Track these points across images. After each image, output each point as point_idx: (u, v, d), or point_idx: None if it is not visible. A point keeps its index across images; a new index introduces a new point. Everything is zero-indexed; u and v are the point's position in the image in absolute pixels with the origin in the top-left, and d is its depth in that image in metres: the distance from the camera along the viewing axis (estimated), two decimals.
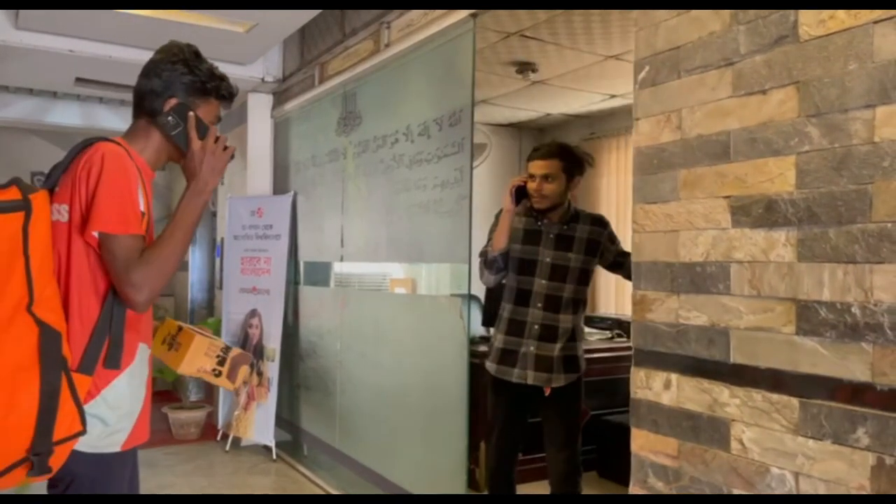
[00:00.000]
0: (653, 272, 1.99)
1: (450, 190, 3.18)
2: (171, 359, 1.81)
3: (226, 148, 1.77)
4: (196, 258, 7.16)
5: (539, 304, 2.74)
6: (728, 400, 1.76)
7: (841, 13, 1.56)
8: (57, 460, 1.47)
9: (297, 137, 4.90)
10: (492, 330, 4.54)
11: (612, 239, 2.84)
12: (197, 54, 1.78)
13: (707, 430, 1.81)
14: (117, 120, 6.06)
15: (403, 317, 3.65)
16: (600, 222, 2.84)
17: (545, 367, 2.73)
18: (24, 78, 5.28)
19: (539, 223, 2.80)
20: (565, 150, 2.78)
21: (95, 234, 1.53)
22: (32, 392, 1.43)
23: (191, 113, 1.72)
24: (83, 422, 1.49)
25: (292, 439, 4.78)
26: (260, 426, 4.76)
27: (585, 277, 2.79)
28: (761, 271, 1.70)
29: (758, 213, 1.71)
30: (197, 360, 1.80)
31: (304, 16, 4.03)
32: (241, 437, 4.93)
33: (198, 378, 1.88)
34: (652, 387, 1.97)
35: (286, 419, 4.83)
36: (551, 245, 2.77)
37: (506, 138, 6.17)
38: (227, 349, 1.83)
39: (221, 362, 1.83)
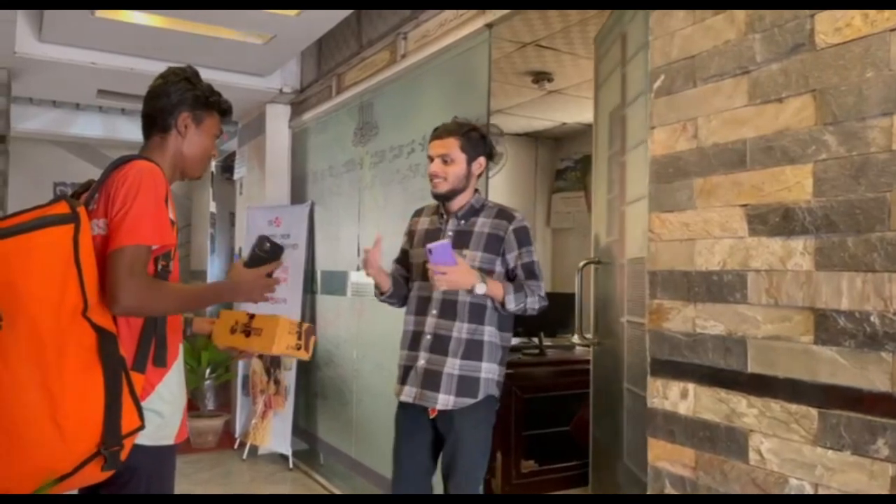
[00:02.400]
0: (669, 281, 1.98)
1: None
2: (257, 344, 1.95)
3: (270, 275, 1.91)
4: (215, 266, 7.22)
5: (434, 311, 2.35)
6: (746, 410, 1.75)
7: (857, 21, 1.55)
8: (124, 454, 1.57)
9: (314, 148, 4.94)
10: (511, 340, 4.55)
11: (520, 240, 2.35)
12: (196, 74, 1.92)
13: (725, 441, 1.80)
14: (138, 131, 6.06)
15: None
16: (506, 216, 2.38)
17: (432, 383, 2.31)
18: (47, 90, 5.38)
19: (440, 221, 2.46)
20: (465, 129, 2.40)
21: (120, 246, 1.60)
22: (98, 391, 1.53)
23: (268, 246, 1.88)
24: (141, 417, 1.60)
25: (309, 448, 4.79)
26: (277, 435, 4.77)
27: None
28: (779, 280, 1.69)
29: (775, 221, 1.70)
30: (285, 339, 1.93)
31: (322, 27, 4.07)
32: (259, 446, 4.95)
33: (284, 355, 2.02)
34: (668, 396, 1.96)
35: (303, 428, 4.84)
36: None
37: (522, 148, 6.17)
38: (300, 324, 1.97)
39: (300, 336, 1.97)
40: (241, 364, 5.18)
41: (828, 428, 1.57)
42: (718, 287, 1.83)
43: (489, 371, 2.34)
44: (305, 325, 2.00)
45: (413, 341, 2.40)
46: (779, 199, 1.70)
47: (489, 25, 3.05)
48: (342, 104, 4.44)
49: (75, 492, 1.69)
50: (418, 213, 2.59)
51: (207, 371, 5.65)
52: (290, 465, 4.73)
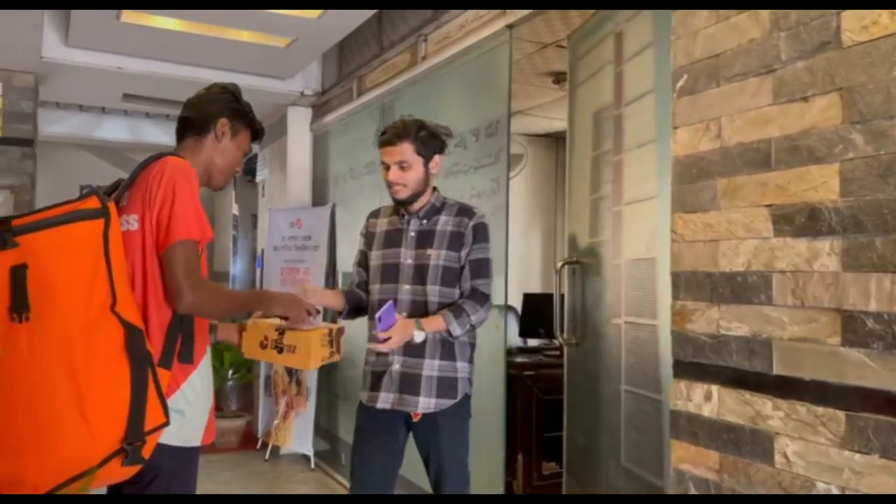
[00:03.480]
0: (692, 282, 1.96)
1: (486, 200, 3.18)
2: (291, 361, 1.98)
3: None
4: (237, 268, 7.29)
5: (404, 314, 2.31)
6: (771, 412, 1.73)
7: (885, 18, 1.53)
8: (147, 451, 1.58)
9: (335, 150, 4.96)
10: (530, 341, 4.55)
11: (476, 236, 2.33)
12: (239, 90, 1.98)
13: (749, 444, 1.78)
14: (162, 134, 6.22)
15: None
16: (467, 213, 2.36)
17: (411, 387, 2.30)
18: (73, 94, 5.46)
19: (401, 221, 2.41)
20: (414, 130, 2.33)
21: (174, 242, 1.65)
22: (124, 385, 1.55)
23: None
24: (166, 413, 1.61)
25: (330, 448, 4.81)
26: (299, 435, 4.80)
27: (453, 278, 2.32)
28: (805, 281, 1.67)
29: (800, 221, 1.68)
30: (319, 352, 1.95)
31: (343, 29, 4.09)
32: (280, 446, 4.98)
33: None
34: (692, 398, 1.94)
35: (324, 428, 4.87)
36: (412, 244, 2.36)
37: (542, 149, 6.15)
38: (330, 331, 1.99)
39: (332, 343, 2.00)
40: (262, 364, 5.22)
41: (855, 431, 1.55)
42: (743, 288, 1.81)
43: (464, 370, 2.36)
44: (335, 329, 2.01)
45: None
46: (805, 200, 1.67)
47: (510, 26, 3.05)
48: (363, 106, 4.46)
49: (103, 491, 1.71)
50: (375, 215, 2.53)
51: (230, 371, 5.70)
52: (312, 466, 4.75)
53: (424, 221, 2.38)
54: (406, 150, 2.31)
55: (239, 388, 6.39)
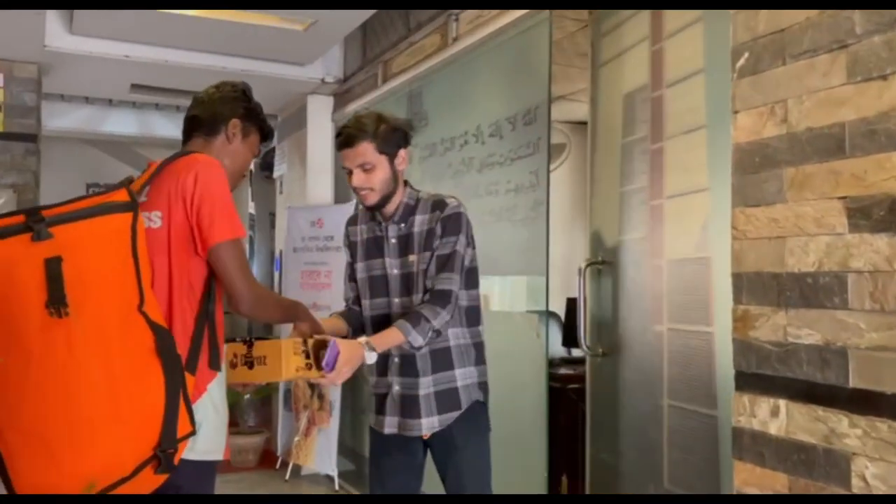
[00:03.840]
0: (756, 284, 1.93)
1: (525, 195, 3.17)
2: (264, 373, 1.97)
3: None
4: (254, 272, 7.36)
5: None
6: (847, 430, 1.69)
7: None
8: (176, 458, 1.62)
9: None
10: (574, 351, 4.52)
11: (445, 229, 2.27)
12: (250, 90, 2.03)
13: (823, 465, 1.74)
14: (173, 127, 6.32)
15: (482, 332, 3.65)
16: (439, 205, 2.31)
17: (411, 410, 2.29)
18: (79, 86, 5.58)
19: (379, 228, 2.38)
20: (372, 127, 2.26)
21: (216, 244, 1.72)
22: (159, 389, 1.59)
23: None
24: (192, 421, 1.65)
25: (356, 469, 4.84)
26: (321, 454, 4.84)
27: None
28: (885, 282, 1.63)
29: (879, 215, 1.64)
30: (293, 361, 1.96)
31: (366, 11, 4.11)
32: (302, 466, 5.03)
33: (292, 381, 2.07)
34: (757, 414, 1.91)
35: (349, 446, 4.90)
36: (395, 252, 2.35)
37: (587, 138, 6.11)
38: (304, 341, 2.00)
39: (307, 354, 2.00)
40: None
41: None
42: (814, 290, 1.78)
43: (465, 376, 2.33)
44: (312, 340, 2.01)
45: (381, 366, 2.33)
46: (884, 190, 1.63)
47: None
48: (389, 93, 4.48)
49: None
50: (353, 221, 2.49)
51: None
52: (337, 487, 4.78)
53: (402, 225, 2.35)
54: (366, 150, 2.25)
55: (257, 402, 6.46)
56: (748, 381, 1.94)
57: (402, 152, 2.32)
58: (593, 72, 2.97)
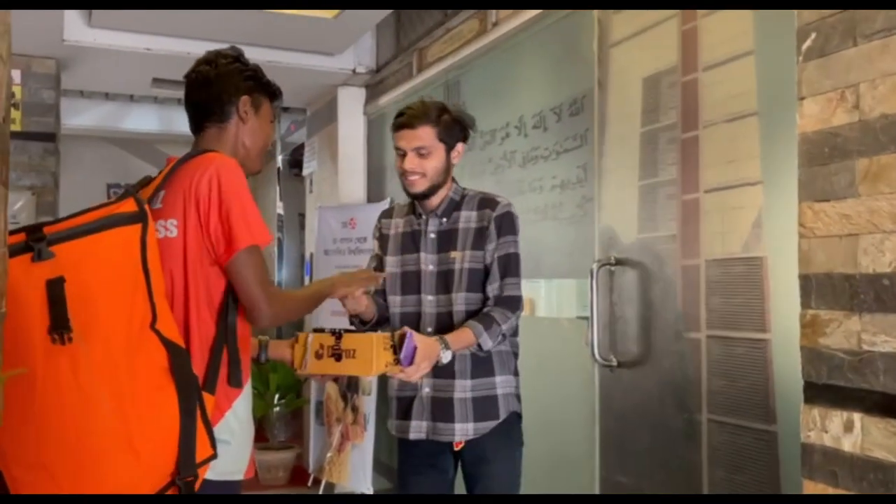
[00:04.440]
0: (826, 286, 1.90)
1: (571, 191, 3.16)
2: (352, 367, 2.06)
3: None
4: (283, 275, 7.46)
5: (429, 329, 2.35)
6: None
7: None
8: (197, 485, 1.63)
9: None
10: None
11: (500, 229, 2.34)
12: (243, 54, 2.01)
13: None
14: None
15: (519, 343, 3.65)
16: (489, 203, 2.39)
17: (445, 414, 2.33)
18: (99, 81, 5.71)
19: (418, 222, 2.44)
20: (436, 112, 2.36)
21: (233, 254, 1.71)
22: (173, 412, 1.59)
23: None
24: (213, 444, 1.65)
25: (393, 487, 4.86)
26: (356, 471, 4.87)
27: (479, 281, 2.35)
28: None
29: None
30: (382, 356, 2.03)
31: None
32: (335, 483, 5.07)
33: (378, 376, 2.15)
34: (829, 429, 1.88)
35: (385, 463, 4.93)
36: (432, 247, 2.40)
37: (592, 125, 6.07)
38: (392, 335, 2.09)
39: (395, 350, 2.07)
40: (313, 388, 5.32)
41: None
42: (891, 293, 1.75)
43: (506, 384, 2.38)
44: (398, 333, 2.07)
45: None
46: None
47: None
48: (425, 84, 4.51)
49: None
50: (388, 214, 2.55)
51: (276, 396, 5.83)
52: None
53: (444, 220, 2.41)
54: (427, 134, 2.33)
55: (287, 415, 6.54)
56: (818, 393, 1.91)
57: (459, 146, 2.41)
58: (600, 52, 2.95)
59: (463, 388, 2.32)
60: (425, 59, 4.54)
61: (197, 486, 1.63)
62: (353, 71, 5.16)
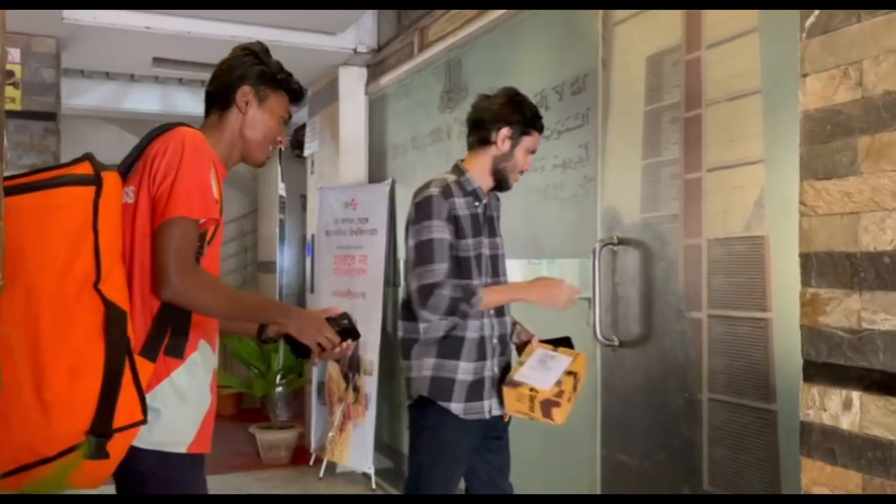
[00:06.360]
0: (827, 265, 1.90)
1: (573, 171, 3.16)
2: (560, 414, 2.41)
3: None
4: (285, 258, 7.46)
5: (491, 311, 2.56)
6: None
7: None
8: (116, 449, 1.64)
9: (394, 116, 5.01)
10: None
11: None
12: (266, 50, 2.01)
13: None
14: (197, 103, 6.37)
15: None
16: (494, 194, 2.72)
17: (498, 391, 2.56)
18: (99, 61, 5.70)
19: (478, 205, 2.57)
20: None
21: (169, 217, 1.71)
22: (97, 370, 1.61)
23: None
24: (144, 411, 1.67)
25: (394, 466, 4.90)
26: (357, 450, 4.91)
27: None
28: None
29: None
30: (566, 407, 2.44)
31: None
32: (337, 463, 5.10)
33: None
34: (827, 407, 1.89)
35: (386, 443, 4.96)
36: (488, 232, 2.61)
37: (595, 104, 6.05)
38: (533, 389, 2.42)
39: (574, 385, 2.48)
40: (315, 369, 5.35)
41: None
42: (891, 272, 1.75)
43: None
44: (543, 396, 2.41)
45: (480, 350, 2.53)
46: None
47: None
48: (426, 63, 4.49)
49: (102, 490, 1.78)
50: (450, 193, 2.49)
51: (278, 376, 5.86)
52: (373, 486, 4.85)
53: (492, 204, 2.66)
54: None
55: (289, 395, 6.57)
56: (818, 372, 1.92)
57: None
58: (604, 30, 2.94)
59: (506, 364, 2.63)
60: (427, 38, 4.52)
61: (121, 450, 1.64)
62: (355, 50, 5.15)
